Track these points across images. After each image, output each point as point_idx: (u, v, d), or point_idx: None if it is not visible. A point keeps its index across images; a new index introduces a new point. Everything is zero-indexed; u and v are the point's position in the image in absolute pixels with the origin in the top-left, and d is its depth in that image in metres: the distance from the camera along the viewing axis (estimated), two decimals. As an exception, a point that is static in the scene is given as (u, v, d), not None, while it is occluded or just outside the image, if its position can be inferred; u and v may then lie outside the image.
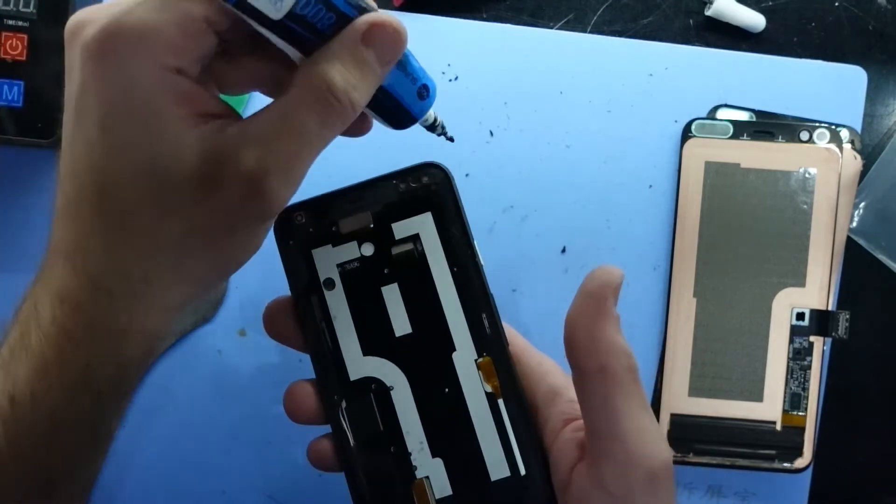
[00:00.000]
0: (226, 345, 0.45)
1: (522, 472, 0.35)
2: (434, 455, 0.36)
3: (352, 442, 0.36)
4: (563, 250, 0.45)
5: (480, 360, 0.36)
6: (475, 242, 0.36)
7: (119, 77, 0.26)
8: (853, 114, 0.45)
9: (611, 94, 0.45)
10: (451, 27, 0.45)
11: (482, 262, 0.36)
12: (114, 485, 0.46)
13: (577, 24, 0.46)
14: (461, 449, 0.36)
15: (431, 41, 0.45)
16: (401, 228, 0.36)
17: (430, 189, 0.36)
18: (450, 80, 0.45)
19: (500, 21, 0.45)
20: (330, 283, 0.36)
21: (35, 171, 0.44)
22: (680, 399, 0.44)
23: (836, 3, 0.46)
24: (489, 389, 0.36)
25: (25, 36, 0.40)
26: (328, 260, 0.37)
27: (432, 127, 0.34)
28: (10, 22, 0.40)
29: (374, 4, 0.29)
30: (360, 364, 0.36)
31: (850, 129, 0.45)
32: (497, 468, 0.35)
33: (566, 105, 0.45)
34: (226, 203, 0.27)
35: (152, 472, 0.46)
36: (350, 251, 0.36)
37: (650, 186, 0.45)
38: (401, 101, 0.32)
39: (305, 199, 0.36)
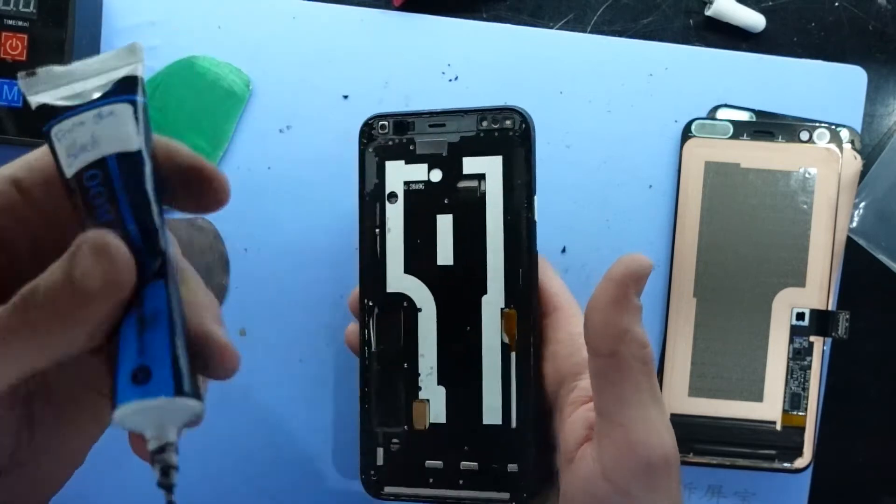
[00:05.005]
0: (226, 345, 0.45)
1: (513, 425, 0.37)
2: (440, 383, 0.38)
3: (374, 347, 0.38)
4: (563, 250, 0.45)
5: (506, 310, 0.37)
6: (536, 199, 0.37)
7: None
8: (853, 114, 0.45)
9: (611, 94, 0.45)
10: (451, 27, 0.45)
11: (536, 220, 0.37)
12: (114, 485, 0.46)
13: (577, 24, 0.46)
14: (465, 385, 0.37)
15: (431, 41, 0.45)
16: (471, 164, 0.38)
17: (507, 134, 0.37)
18: (450, 80, 0.45)
19: (500, 21, 0.45)
20: (393, 197, 0.38)
21: (35, 171, 0.44)
22: (680, 399, 0.44)
23: (836, 3, 0.46)
24: (506, 340, 0.37)
25: (25, 36, 0.40)
26: (398, 175, 0.38)
27: (153, 455, 0.23)
28: (10, 22, 0.40)
29: (170, 239, 0.24)
30: (398, 279, 0.38)
31: (850, 129, 0.45)
32: (491, 414, 0.37)
33: (566, 105, 0.45)
34: None
35: (152, 471, 0.46)
36: (419, 172, 0.38)
37: (650, 186, 0.45)
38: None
39: (394, 111, 0.39)
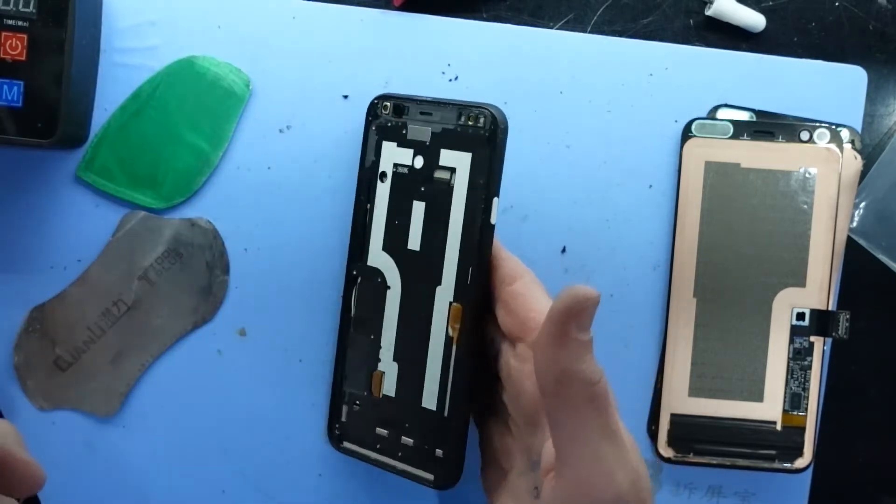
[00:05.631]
0: (226, 345, 0.45)
1: (445, 413, 0.39)
2: (394, 359, 0.40)
3: (353, 312, 0.41)
4: (563, 250, 0.45)
5: (454, 304, 0.39)
6: (495, 201, 0.38)
7: None
8: (853, 114, 0.45)
9: (611, 94, 0.45)
10: (451, 27, 0.45)
11: (494, 223, 0.38)
12: (113, 484, 0.46)
13: (577, 24, 0.46)
14: (413, 366, 0.40)
15: (431, 41, 0.45)
16: (446, 156, 0.39)
17: (479, 132, 0.38)
18: (450, 80, 0.45)
19: (500, 21, 0.45)
20: (384, 176, 0.40)
21: (35, 171, 0.44)
22: (680, 399, 0.44)
23: (836, 3, 0.46)
24: (451, 333, 0.39)
25: (25, 36, 0.40)
26: (390, 155, 0.40)
27: None
28: (10, 22, 0.39)
29: None
30: (376, 255, 0.41)
31: (851, 128, 0.45)
32: (429, 398, 0.39)
33: (566, 105, 0.45)
34: None
35: (152, 471, 0.46)
36: (406, 157, 0.40)
37: (650, 186, 0.45)
38: None
39: (397, 93, 0.41)
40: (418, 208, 0.39)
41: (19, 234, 0.45)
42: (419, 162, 0.39)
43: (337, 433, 0.42)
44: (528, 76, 0.45)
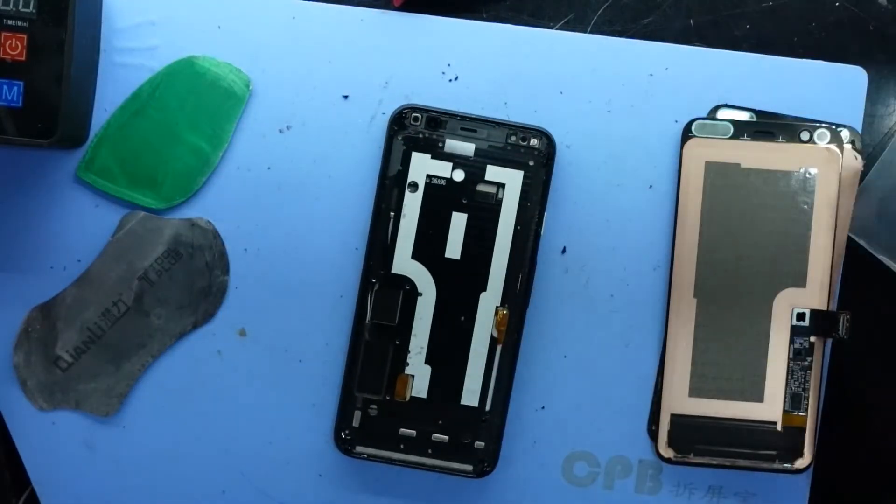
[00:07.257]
0: (226, 345, 0.45)
1: (487, 408, 0.42)
2: (427, 362, 0.42)
3: (368, 319, 0.42)
4: (563, 250, 0.45)
5: (501, 308, 0.41)
6: (545, 214, 0.42)
7: None
8: (854, 114, 0.45)
9: (611, 94, 0.45)
10: (451, 27, 0.45)
11: (542, 233, 0.42)
12: (113, 485, 0.46)
13: (577, 24, 0.46)
14: (450, 367, 0.42)
15: (431, 41, 0.45)
16: (493, 172, 0.41)
17: (533, 153, 0.42)
18: (450, 81, 0.45)
19: (500, 21, 0.45)
20: (414, 186, 0.41)
21: (35, 171, 0.44)
22: (680, 399, 0.44)
23: (837, 3, 0.46)
24: (495, 335, 0.41)
25: (25, 36, 0.40)
26: (422, 167, 0.41)
27: None
28: (10, 22, 0.39)
29: None
30: (404, 263, 0.42)
31: (851, 129, 0.45)
32: (469, 396, 0.42)
33: (566, 105, 0.45)
34: None
35: (152, 471, 0.46)
36: (443, 169, 0.41)
37: (650, 186, 0.45)
38: None
39: (429, 105, 0.42)
40: (458, 219, 0.41)
41: (19, 234, 0.45)
42: (459, 175, 0.41)
43: (347, 439, 0.43)
44: (528, 76, 0.45)
